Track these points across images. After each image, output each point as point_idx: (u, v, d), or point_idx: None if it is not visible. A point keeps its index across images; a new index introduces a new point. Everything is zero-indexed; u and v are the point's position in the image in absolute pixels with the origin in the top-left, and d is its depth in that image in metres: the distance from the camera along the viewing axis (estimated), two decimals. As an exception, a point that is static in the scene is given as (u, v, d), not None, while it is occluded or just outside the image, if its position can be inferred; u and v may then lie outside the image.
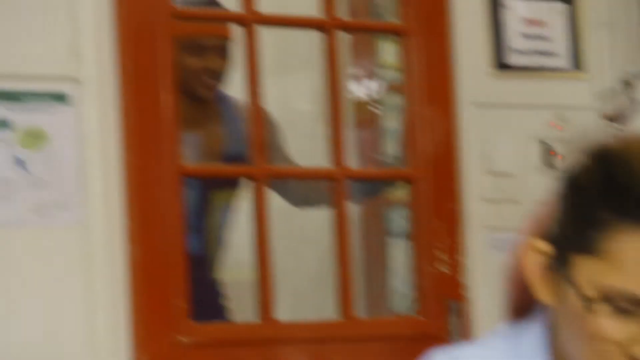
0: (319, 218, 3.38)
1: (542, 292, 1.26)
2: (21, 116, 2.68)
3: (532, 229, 1.28)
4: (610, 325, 1.20)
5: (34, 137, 2.68)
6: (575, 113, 3.39)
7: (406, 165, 3.17)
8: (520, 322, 1.32)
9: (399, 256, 3.72)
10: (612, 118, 3.31)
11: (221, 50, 3.18)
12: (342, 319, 3.03)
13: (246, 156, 2.96)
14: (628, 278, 1.18)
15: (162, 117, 2.82)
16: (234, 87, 3.22)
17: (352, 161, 3.21)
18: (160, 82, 2.82)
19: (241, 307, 3.31)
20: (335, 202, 3.06)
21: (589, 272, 1.20)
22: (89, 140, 2.73)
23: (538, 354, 1.29)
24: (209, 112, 3.24)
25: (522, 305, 1.32)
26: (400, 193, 3.48)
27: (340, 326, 3.01)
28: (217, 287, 3.28)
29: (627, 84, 3.37)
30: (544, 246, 1.25)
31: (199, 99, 3.19)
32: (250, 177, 2.98)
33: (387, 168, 3.55)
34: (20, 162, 2.67)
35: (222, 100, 3.26)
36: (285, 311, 3.41)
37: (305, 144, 3.45)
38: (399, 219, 3.74)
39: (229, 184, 3.23)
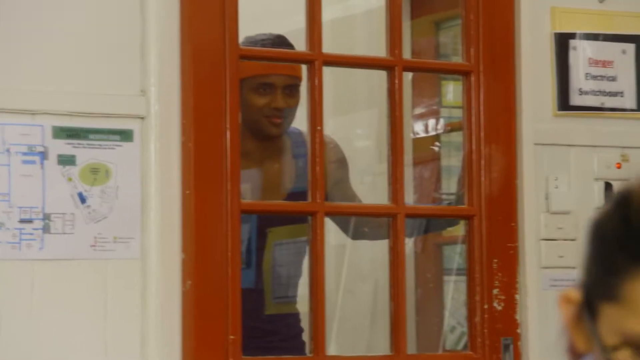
0: (375, 253, 3.39)
1: (578, 340, 1.26)
2: (85, 152, 2.72)
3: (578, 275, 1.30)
4: None
5: (97, 173, 2.72)
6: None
7: (465, 203, 3.16)
8: None
9: (455, 293, 3.71)
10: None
11: (288, 89, 3.21)
12: (394, 354, 3.03)
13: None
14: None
15: (223, 155, 2.84)
16: (299, 124, 3.25)
17: (411, 198, 3.21)
18: (223, 121, 2.85)
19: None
20: (393, 239, 3.07)
21: (611, 319, 1.21)
22: (148, 176, 2.77)
23: None
24: (276, 148, 3.26)
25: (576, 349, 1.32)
26: (457, 230, 3.48)
27: (393, 362, 3.01)
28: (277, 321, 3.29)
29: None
30: (576, 295, 1.25)
31: (266, 137, 3.22)
32: (308, 213, 2.99)
33: (445, 205, 3.54)
34: (82, 197, 2.71)
35: (293, 135, 3.28)
36: (338, 347, 3.43)
37: (366, 181, 3.46)
38: (455, 256, 3.74)
39: (291, 219, 3.26)
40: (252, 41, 3.13)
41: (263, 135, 3.21)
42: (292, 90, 3.22)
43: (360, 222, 3.32)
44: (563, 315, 1.27)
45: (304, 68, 3.02)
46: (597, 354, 1.23)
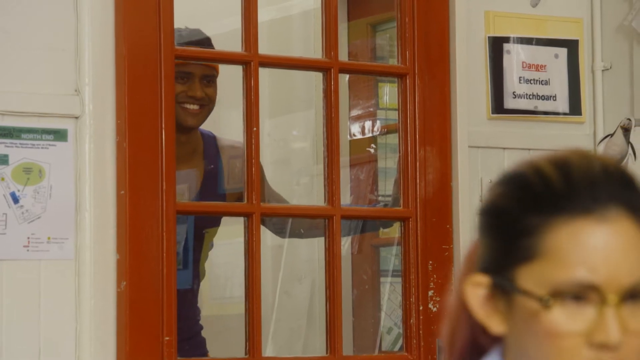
0: (311, 254, 3.39)
1: (493, 322, 1.29)
2: (18, 152, 2.70)
3: (466, 269, 1.32)
4: (569, 319, 1.23)
5: (30, 172, 2.71)
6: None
7: (401, 205, 3.18)
8: None
9: (391, 294, 3.73)
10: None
11: (206, 79, 3.21)
12: (330, 356, 3.04)
13: (225, 194, 2.98)
14: (571, 267, 1.23)
15: (158, 155, 2.84)
16: (233, 125, 3.25)
17: (348, 199, 3.22)
18: (158, 121, 2.84)
19: (227, 343, 3.32)
20: (329, 240, 3.08)
21: (534, 277, 1.25)
22: (83, 176, 2.75)
23: None
24: (191, 146, 3.26)
25: (473, 347, 1.35)
26: (393, 232, 3.50)
27: (328, 363, 3.02)
28: (198, 321, 3.29)
29: (625, 129, 3.39)
30: (482, 278, 1.29)
31: (183, 129, 3.20)
32: (244, 215, 2.99)
33: (381, 207, 3.56)
34: (14, 197, 2.69)
35: (206, 137, 3.28)
36: (275, 348, 3.44)
37: (302, 182, 3.48)
38: (391, 257, 3.76)
39: (215, 221, 3.26)
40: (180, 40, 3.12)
41: (180, 126, 3.18)
42: (209, 81, 3.22)
43: (295, 222, 3.33)
44: (472, 302, 1.29)
45: (239, 69, 3.02)
46: (522, 319, 1.25)
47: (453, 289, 1.34)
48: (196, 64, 3.19)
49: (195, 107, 3.19)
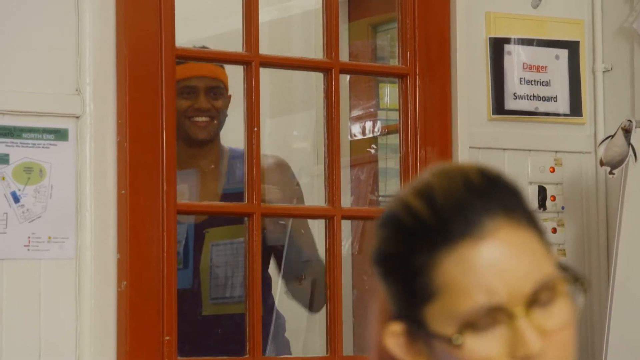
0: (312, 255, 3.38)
1: None
2: (19, 151, 2.71)
3: (381, 318, 1.30)
4: (485, 346, 1.21)
5: (30, 172, 2.71)
6: (573, 157, 3.41)
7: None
8: None
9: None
10: (610, 164, 3.32)
11: (212, 92, 3.22)
12: (330, 356, 3.04)
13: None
14: (469, 296, 1.21)
15: (159, 155, 2.84)
16: (234, 126, 3.25)
17: (348, 200, 3.21)
18: (159, 121, 2.85)
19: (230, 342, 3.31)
20: (329, 240, 3.08)
21: (441, 314, 1.23)
22: (83, 176, 2.76)
23: None
24: (207, 153, 3.26)
25: None
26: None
27: (328, 363, 3.02)
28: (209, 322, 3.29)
29: (625, 131, 3.39)
30: (397, 325, 1.27)
31: (196, 143, 3.21)
32: (245, 214, 3.00)
33: (382, 207, 3.56)
34: (15, 197, 2.69)
35: (232, 151, 3.28)
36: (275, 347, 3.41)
37: (303, 183, 3.48)
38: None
39: (226, 220, 3.26)
40: None
41: (191, 140, 3.20)
42: (215, 93, 3.22)
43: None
44: (395, 351, 1.26)
45: (240, 69, 3.03)
46: (443, 354, 1.23)
47: (370, 341, 1.31)
48: (199, 78, 3.20)
49: (204, 119, 3.20)
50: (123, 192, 2.79)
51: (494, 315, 1.21)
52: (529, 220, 1.25)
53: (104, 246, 2.77)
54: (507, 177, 1.28)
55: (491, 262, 1.21)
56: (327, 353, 3.06)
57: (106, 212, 2.78)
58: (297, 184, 3.31)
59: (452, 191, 1.23)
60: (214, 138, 3.26)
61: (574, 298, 1.26)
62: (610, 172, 3.20)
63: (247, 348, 2.97)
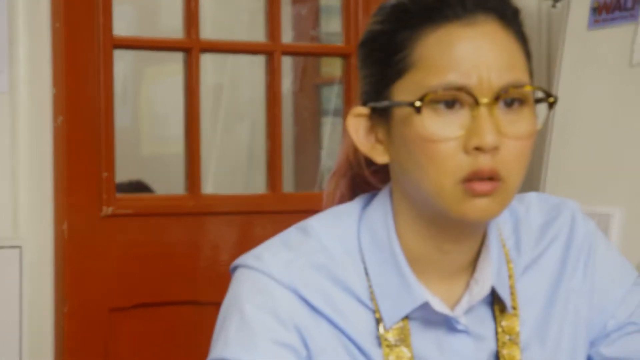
0: (253, 93, 3.35)
1: (376, 153, 1.30)
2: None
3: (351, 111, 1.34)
4: (442, 125, 1.23)
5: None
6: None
7: (342, 41, 3.15)
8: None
9: (332, 134, 3.71)
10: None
11: None
12: (270, 193, 3.04)
13: None
14: (441, 72, 1.23)
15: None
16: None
17: (289, 36, 3.16)
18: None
19: (169, 181, 3.30)
20: (269, 77, 3.04)
21: (408, 88, 1.26)
22: (16, 7, 2.67)
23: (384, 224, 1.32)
24: None
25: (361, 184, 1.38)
26: (335, 70, 3.46)
27: (267, 200, 3.01)
28: None
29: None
30: (362, 109, 1.31)
31: None
32: (184, 50, 2.94)
33: (322, 44, 3.52)
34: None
35: None
36: (217, 185, 3.41)
37: (244, 19, 3.41)
38: (332, 97, 3.73)
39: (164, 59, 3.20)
40: None
41: None
42: None
43: None
44: (355, 135, 1.30)
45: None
46: (402, 134, 1.25)
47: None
48: None
49: None
50: (57, 24, 2.71)
51: (459, 97, 1.23)
52: (518, 32, 1.29)
53: (38, 80, 2.70)
54: None
55: (471, 48, 1.24)
56: (267, 190, 3.05)
57: (41, 45, 2.70)
58: None
59: None
60: None
61: (538, 112, 1.28)
62: (554, 6, 3.17)
63: (187, 185, 2.95)
